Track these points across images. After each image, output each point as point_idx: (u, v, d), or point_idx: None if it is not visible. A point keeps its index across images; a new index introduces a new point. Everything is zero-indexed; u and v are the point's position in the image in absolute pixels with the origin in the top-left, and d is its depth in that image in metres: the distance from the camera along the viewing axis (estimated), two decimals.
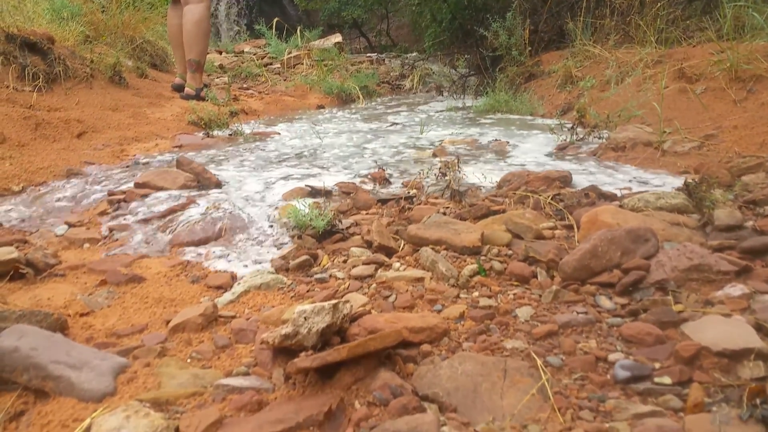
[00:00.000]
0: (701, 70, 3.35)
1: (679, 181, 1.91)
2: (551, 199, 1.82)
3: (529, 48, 5.62)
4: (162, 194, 2.03)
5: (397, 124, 3.64)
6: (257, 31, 10.66)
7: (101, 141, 3.11)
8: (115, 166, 2.58)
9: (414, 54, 13.16)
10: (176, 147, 3.02)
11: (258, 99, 5.43)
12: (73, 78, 3.83)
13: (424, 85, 8.25)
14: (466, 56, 6.42)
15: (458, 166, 2.08)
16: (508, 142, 2.91)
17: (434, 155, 2.56)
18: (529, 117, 4.28)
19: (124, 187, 2.17)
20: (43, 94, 3.43)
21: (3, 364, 1.06)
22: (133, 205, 1.94)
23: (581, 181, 1.99)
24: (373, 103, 5.83)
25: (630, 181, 2.01)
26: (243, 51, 10.79)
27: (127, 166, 2.57)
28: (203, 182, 2.18)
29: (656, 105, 2.79)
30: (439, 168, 2.06)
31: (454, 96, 6.34)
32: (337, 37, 10.60)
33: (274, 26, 9.93)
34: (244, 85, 6.65)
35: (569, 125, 3.06)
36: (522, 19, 5.54)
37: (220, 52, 11.00)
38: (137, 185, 2.12)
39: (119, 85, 4.26)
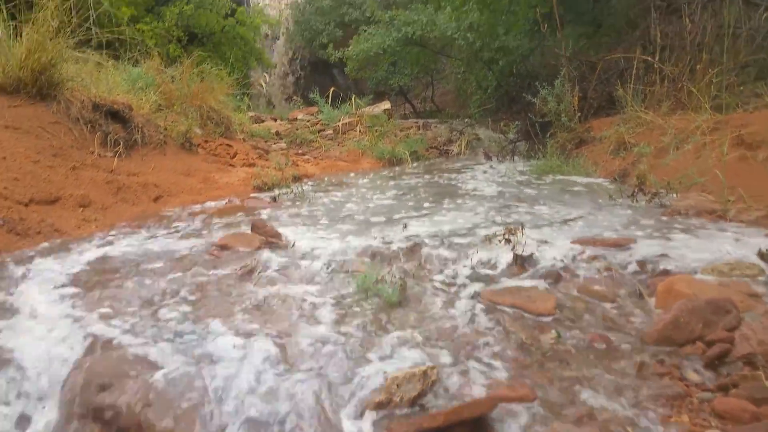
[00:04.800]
0: (761, 136, 3.33)
1: (750, 250, 1.89)
2: (622, 267, 1.83)
3: (579, 114, 5.69)
4: (241, 254, 2.15)
5: (443, 208, 3.71)
6: (311, 99, 11.15)
7: (176, 204, 3.30)
8: (193, 228, 2.73)
9: (462, 120, 13.46)
10: (247, 211, 3.17)
11: (314, 164, 5.64)
12: (148, 144, 4.11)
13: (472, 149, 8.38)
14: (515, 122, 6.54)
15: (522, 231, 2.12)
16: (570, 210, 2.93)
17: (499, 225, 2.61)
18: (585, 179, 4.30)
19: (204, 246, 2.29)
20: (123, 159, 3.69)
21: None
22: (217, 262, 2.06)
23: (648, 248, 1.99)
24: (423, 167, 5.96)
25: (700, 249, 2.00)
26: (297, 118, 11.27)
27: (204, 228, 2.72)
28: (275, 244, 2.29)
29: (718, 173, 2.79)
30: (503, 233, 2.11)
31: (502, 160, 6.42)
32: (386, 104, 10.96)
33: (330, 96, 10.42)
34: (300, 151, 6.93)
35: (629, 191, 3.07)
36: (571, 86, 5.65)
37: (275, 119, 11.55)
38: (216, 246, 2.24)
39: (189, 151, 4.54)
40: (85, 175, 3.18)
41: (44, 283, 1.82)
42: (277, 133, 8.88)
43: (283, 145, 7.80)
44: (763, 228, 2.38)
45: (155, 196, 3.32)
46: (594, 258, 1.93)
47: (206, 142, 5.04)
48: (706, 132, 3.88)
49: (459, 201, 3.33)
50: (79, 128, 3.63)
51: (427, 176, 4.64)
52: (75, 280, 1.86)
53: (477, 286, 1.75)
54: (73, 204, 2.82)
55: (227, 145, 5.05)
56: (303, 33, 19.84)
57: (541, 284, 1.77)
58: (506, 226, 2.15)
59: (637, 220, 2.55)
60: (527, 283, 1.79)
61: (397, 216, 2.85)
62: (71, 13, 4.47)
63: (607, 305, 1.63)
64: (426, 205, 3.24)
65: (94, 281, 1.87)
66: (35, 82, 3.63)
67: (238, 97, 9.04)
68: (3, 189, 2.56)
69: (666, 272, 1.74)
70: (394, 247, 2.13)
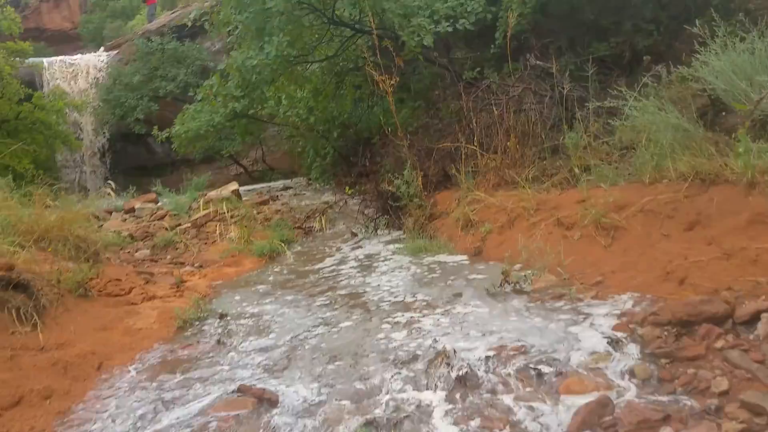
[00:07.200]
0: (572, 219, 4.58)
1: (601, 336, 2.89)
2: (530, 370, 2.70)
3: (425, 192, 6.79)
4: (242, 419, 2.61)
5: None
6: (156, 192, 10.99)
7: (116, 365, 3.50)
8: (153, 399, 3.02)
9: (298, 177, 14.27)
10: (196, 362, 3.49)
11: (200, 276, 5.89)
12: (52, 305, 4.14)
13: (330, 221, 9.09)
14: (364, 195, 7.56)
15: (455, 354, 2.90)
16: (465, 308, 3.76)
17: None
18: (452, 258, 5.26)
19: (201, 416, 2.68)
20: (43, 330, 3.73)
21: None
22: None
23: (540, 350, 2.89)
24: (302, 260, 6.51)
25: (573, 344, 2.94)
26: (134, 208, 10.96)
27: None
28: (266, 401, 2.76)
29: (559, 268, 3.87)
30: (440, 359, 2.86)
31: (368, 236, 7.27)
32: (234, 185, 11.23)
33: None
34: (172, 258, 7.04)
35: (497, 281, 4.01)
36: (415, 171, 6.71)
37: (110, 212, 11.09)
38: (217, 418, 2.66)
39: (86, 297, 4.58)
40: (26, 362, 3.26)
41: None
42: (131, 236, 8.68)
43: (146, 251, 7.76)
44: (596, 300, 3.45)
45: (97, 364, 3.48)
46: (507, 361, 2.78)
47: (92, 279, 5.04)
48: (531, 213, 5.10)
49: (372, 319, 3.88)
50: None
51: (318, 287, 5.16)
52: None
53: None
54: (39, 399, 2.94)
55: (116, 279, 5.14)
56: (114, 110, 19.06)
57: (486, 398, 2.56)
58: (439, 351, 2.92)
59: (520, 312, 3.48)
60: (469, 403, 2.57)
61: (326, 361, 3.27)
62: None
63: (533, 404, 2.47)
64: (344, 324, 3.76)
65: None
66: None
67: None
68: None
69: (561, 373, 2.63)
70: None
